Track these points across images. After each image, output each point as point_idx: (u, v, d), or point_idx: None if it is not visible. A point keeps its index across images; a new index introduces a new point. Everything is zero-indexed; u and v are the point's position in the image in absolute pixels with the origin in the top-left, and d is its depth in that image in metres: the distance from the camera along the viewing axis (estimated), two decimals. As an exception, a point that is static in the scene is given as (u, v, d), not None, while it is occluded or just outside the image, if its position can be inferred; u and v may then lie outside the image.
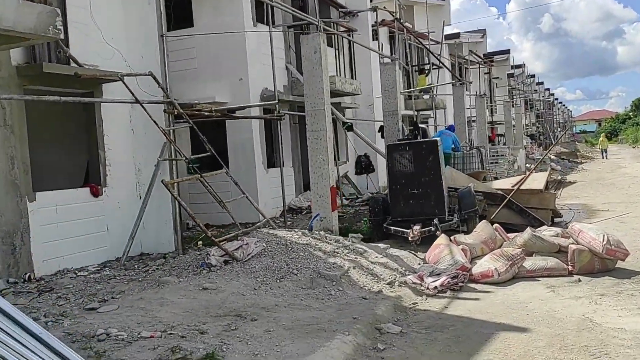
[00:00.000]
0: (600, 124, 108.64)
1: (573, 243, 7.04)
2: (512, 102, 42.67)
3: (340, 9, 16.05)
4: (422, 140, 9.05)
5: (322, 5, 15.53)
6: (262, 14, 12.24)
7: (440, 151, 8.41)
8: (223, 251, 6.67)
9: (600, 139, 43.36)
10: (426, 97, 21.26)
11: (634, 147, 58.53)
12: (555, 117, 69.43)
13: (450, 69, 26.80)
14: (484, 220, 7.88)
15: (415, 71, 21.76)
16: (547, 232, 7.60)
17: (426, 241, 7.92)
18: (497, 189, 10.62)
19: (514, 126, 36.66)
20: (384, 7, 16.86)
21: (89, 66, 8.04)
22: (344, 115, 16.40)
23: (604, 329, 4.93)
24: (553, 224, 10.44)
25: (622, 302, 5.65)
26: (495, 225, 8.27)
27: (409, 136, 9.89)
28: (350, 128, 12.57)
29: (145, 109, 7.58)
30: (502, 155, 16.73)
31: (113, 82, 7.94)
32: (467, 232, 8.79)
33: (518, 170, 22.19)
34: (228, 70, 12.06)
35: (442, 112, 21.52)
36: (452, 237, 7.50)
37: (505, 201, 10.14)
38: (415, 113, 21.48)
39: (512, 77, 40.86)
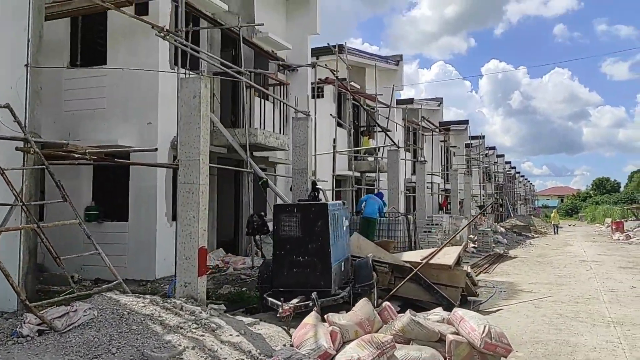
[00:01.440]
0: (562, 200, 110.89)
1: (454, 332, 6.20)
2: (470, 171, 43.04)
3: (278, 62, 15.62)
4: (310, 202, 8.26)
5: (259, 57, 15.10)
6: (185, 59, 11.68)
7: (330, 216, 7.63)
8: (39, 318, 5.61)
9: (552, 214, 43.58)
10: (370, 159, 20.83)
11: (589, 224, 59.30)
12: (516, 189, 70.40)
13: (404, 133, 26.69)
14: (364, 298, 7.02)
15: (361, 133, 21.41)
16: (432, 317, 6.76)
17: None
18: (406, 262, 9.83)
19: (473, 196, 36.63)
20: (325, 65, 16.52)
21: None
22: (274, 171, 15.68)
23: None
24: (464, 304, 9.65)
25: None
26: (385, 303, 7.39)
27: (309, 197, 9.12)
28: (265, 184, 11.78)
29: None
30: (436, 224, 16.11)
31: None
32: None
33: (460, 241, 21.63)
34: (137, 113, 11.29)
35: (387, 175, 20.99)
36: (326, 316, 6.58)
37: (409, 275, 9.34)
38: (358, 174, 21.08)
39: (470, 147, 41.28)
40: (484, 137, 45.03)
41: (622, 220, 39.00)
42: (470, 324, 6.01)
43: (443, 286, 9.58)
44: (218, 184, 13.38)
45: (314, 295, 7.00)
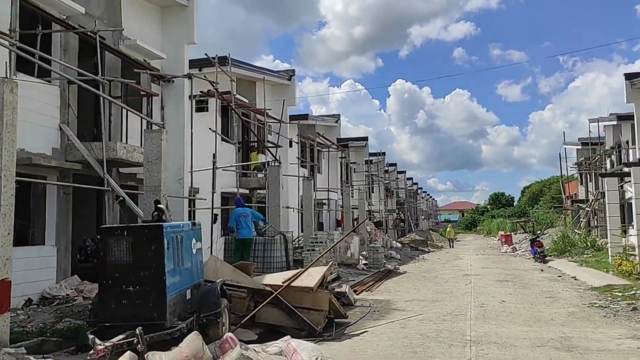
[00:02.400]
0: (463, 214, 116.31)
1: (287, 367, 5.62)
2: (371, 187, 43.68)
3: (151, 72, 14.62)
4: (143, 224, 7.44)
5: (128, 66, 14.02)
6: (33, 65, 10.45)
7: (168, 239, 6.82)
8: None
9: (448, 229, 45.13)
10: (260, 175, 20.18)
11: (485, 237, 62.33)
12: (418, 205, 72.77)
13: (299, 149, 26.32)
14: (194, 332, 6.30)
15: (249, 149, 20.74)
16: (271, 348, 6.15)
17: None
18: (268, 285, 9.19)
19: (374, 212, 37.02)
20: (205, 76, 15.71)
21: None
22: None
23: None
24: (330, 327, 9.15)
25: None
26: (227, 335, 6.70)
27: (153, 217, 8.24)
28: (122, 203, 10.73)
29: None
30: (320, 242, 15.73)
31: None
32: (208, 341, 7.14)
33: (351, 258, 21.46)
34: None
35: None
36: (146, 355, 5.76)
37: (267, 300, 8.71)
38: (247, 191, 20.34)
39: (370, 164, 41.91)
40: (384, 153, 45.99)
41: (511, 233, 41.06)
42: (301, 356, 5.45)
43: (306, 310, 9.04)
44: (74, 204, 12.10)
45: (138, 330, 6.13)
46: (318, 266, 10.28)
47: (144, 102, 14.85)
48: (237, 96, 19.16)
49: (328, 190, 28.06)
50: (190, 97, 15.47)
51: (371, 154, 41.57)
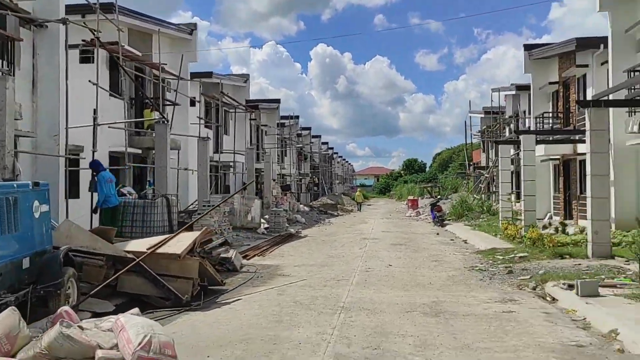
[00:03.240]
0: (378, 179, 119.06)
1: (115, 345, 4.99)
2: (284, 152, 43.14)
3: (18, 15, 12.95)
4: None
5: (-11, 6, 12.30)
6: None
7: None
8: None
9: (357, 193, 45.74)
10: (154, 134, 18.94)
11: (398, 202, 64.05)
12: (334, 169, 73.37)
13: (201, 108, 25.12)
14: (10, 308, 5.52)
15: (143, 106, 19.37)
16: (105, 324, 5.47)
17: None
18: (131, 252, 8.44)
19: (286, 176, 36.44)
20: (85, 23, 14.21)
21: None
22: (15, 147, 13.08)
23: None
24: (207, 294, 8.60)
25: None
26: (62, 308, 5.94)
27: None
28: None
29: None
30: (211, 205, 15.01)
31: None
32: (48, 313, 6.38)
33: (252, 222, 20.96)
34: None
35: (176, 153, 19.32)
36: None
37: (127, 267, 7.98)
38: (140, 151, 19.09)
39: (283, 127, 41.25)
40: (297, 117, 45.44)
41: (418, 198, 42.23)
42: (128, 334, 4.84)
43: (173, 278, 8.42)
44: None
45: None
46: (188, 232, 9.60)
47: (10, 48, 13.21)
48: (128, 48, 17.69)
49: (234, 153, 27.15)
50: (66, 45, 13.95)
51: (283, 117, 40.86)
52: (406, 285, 9.92)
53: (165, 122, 15.14)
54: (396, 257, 13.81)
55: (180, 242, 8.64)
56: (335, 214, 36.31)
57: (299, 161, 47.49)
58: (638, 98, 12.97)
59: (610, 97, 13.20)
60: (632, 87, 13.38)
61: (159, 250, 8.35)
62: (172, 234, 9.08)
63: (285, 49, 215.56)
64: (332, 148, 71.27)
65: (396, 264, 12.57)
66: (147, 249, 8.34)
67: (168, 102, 19.97)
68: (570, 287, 8.37)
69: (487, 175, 31.68)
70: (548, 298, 8.55)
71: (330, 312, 7.74)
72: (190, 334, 6.65)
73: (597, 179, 11.51)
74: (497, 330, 6.70)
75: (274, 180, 32.06)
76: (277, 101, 38.49)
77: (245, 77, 30.74)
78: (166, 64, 19.32)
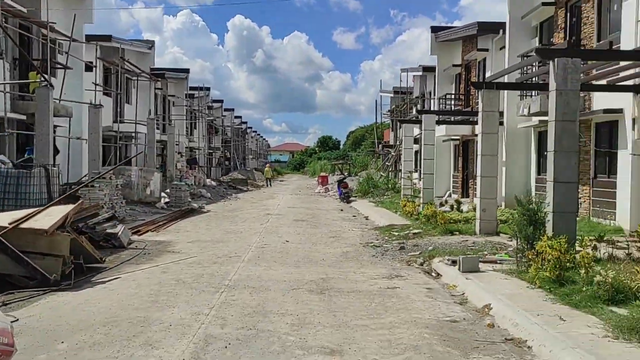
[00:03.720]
0: (293, 155, 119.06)
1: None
2: (193, 124, 41.64)
3: None
4: None
5: None
6: None
7: None
8: None
9: (266, 168, 45.39)
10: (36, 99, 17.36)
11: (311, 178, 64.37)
12: (247, 144, 72.29)
13: (99, 73, 23.45)
14: None
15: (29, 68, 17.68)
16: None
17: None
18: (-11, 227, 7.57)
19: (195, 149, 35.03)
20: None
21: None
22: None
23: None
24: (81, 273, 7.92)
25: None
26: None
27: None
28: None
29: None
30: (104, 178, 13.98)
31: None
32: None
33: (151, 196, 20.01)
34: None
35: (67, 121, 17.86)
36: None
37: (-18, 246, 7.15)
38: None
39: (192, 99, 39.73)
40: (208, 88, 44.03)
41: (329, 174, 42.55)
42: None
43: (40, 255, 7.66)
44: None
45: None
46: (60, 206, 8.82)
47: None
48: (9, 2, 15.98)
49: (136, 123, 25.71)
50: None
51: (193, 88, 39.37)
52: (299, 262, 9.76)
53: (49, 86, 13.81)
54: (295, 233, 13.66)
55: (50, 217, 7.88)
56: (245, 189, 35.78)
57: (209, 135, 46.13)
58: (527, 82, 13.52)
59: (506, 80, 13.71)
60: (524, 72, 13.95)
61: (24, 225, 7.56)
62: (41, 208, 8.27)
63: (201, 18, 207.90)
64: (245, 122, 70.08)
65: (294, 240, 12.41)
66: (9, 224, 7.52)
67: (59, 66, 18.44)
68: (454, 263, 8.57)
69: (394, 154, 32.40)
70: (433, 274, 8.72)
71: (212, 291, 7.39)
72: (50, 317, 6.05)
73: (486, 158, 11.91)
74: (378, 307, 6.67)
75: (180, 153, 30.91)
76: (186, 71, 36.92)
77: (150, 44, 29.09)
78: (55, 23, 17.71)
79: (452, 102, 23.15)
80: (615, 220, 12.15)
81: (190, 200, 21.38)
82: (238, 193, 31.40)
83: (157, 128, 31.55)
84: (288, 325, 5.87)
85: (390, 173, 32.36)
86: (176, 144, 30.98)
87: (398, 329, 5.75)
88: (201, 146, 41.61)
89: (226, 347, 5.15)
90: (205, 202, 23.39)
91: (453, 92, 24.05)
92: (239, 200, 26.03)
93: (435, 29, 24.68)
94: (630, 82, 11.72)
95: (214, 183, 32.16)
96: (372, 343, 5.29)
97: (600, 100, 13.17)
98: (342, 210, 21.08)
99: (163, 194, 20.75)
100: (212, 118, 46.45)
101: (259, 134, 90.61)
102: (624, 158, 11.97)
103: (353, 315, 6.25)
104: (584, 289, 6.20)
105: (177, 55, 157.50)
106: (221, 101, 51.29)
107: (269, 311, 6.42)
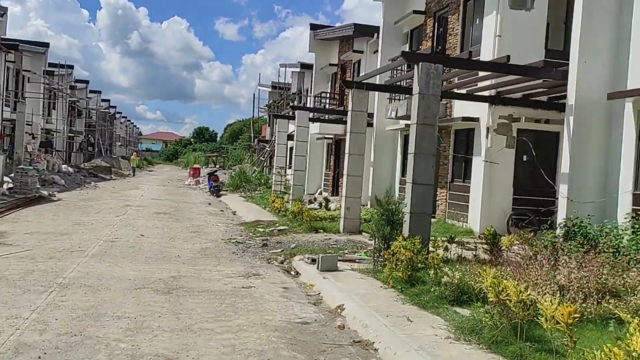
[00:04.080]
0: (166, 145, 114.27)
1: None
2: (52, 104, 37.95)
3: None
4: None
5: None
6: None
7: None
8: None
9: (132, 157, 42.99)
10: None
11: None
12: (115, 130, 67.91)
13: None
14: None
15: None
16: None
17: None
18: None
19: (53, 132, 31.63)
20: None
21: None
22: None
23: None
24: None
25: None
26: None
27: None
28: None
29: None
30: None
31: None
32: None
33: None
34: None
35: None
36: None
37: None
38: None
39: (52, 76, 36.17)
40: (72, 66, 40.43)
41: (201, 166, 41.20)
42: None
43: None
44: None
45: None
46: None
47: None
48: None
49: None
50: None
51: (53, 65, 35.87)
52: (150, 258, 9.01)
53: None
54: (153, 227, 12.76)
55: None
56: (108, 177, 33.37)
57: (71, 117, 42.42)
58: (394, 85, 13.89)
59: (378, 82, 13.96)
60: (394, 75, 14.32)
61: None
62: None
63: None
64: (114, 107, 65.78)
65: (150, 234, 11.54)
66: None
67: None
68: (314, 261, 8.40)
69: (270, 149, 32.14)
70: (293, 272, 8.49)
71: (40, 290, 6.46)
72: None
73: (353, 157, 11.99)
74: (228, 308, 6.24)
75: (32, 134, 27.95)
76: (45, 45, 33.61)
77: (3, 10, 25.88)
78: None
79: (328, 101, 23.38)
80: (467, 222, 12.87)
81: (39, 187, 19.28)
82: (99, 182, 29.13)
83: (7, 105, 28.28)
84: (122, 330, 5.23)
85: (265, 168, 32.02)
86: (28, 124, 27.99)
87: (245, 333, 5.37)
88: (60, 129, 38.11)
89: (39, 357, 4.41)
90: (58, 189, 21.29)
91: (329, 90, 24.31)
92: (97, 190, 24.09)
93: (314, 27, 24.76)
94: (486, 93, 12.46)
95: (71, 169, 29.52)
96: (213, 349, 4.85)
97: (460, 109, 13.90)
98: (210, 204, 20.32)
99: (6, 179, 18.52)
100: (75, 99, 42.78)
101: (129, 120, 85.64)
102: (477, 164, 12.72)
103: (199, 318, 5.77)
104: (432, 289, 6.30)
105: (40, 29, 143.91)
106: (87, 82, 47.53)
107: (102, 314, 5.71)
